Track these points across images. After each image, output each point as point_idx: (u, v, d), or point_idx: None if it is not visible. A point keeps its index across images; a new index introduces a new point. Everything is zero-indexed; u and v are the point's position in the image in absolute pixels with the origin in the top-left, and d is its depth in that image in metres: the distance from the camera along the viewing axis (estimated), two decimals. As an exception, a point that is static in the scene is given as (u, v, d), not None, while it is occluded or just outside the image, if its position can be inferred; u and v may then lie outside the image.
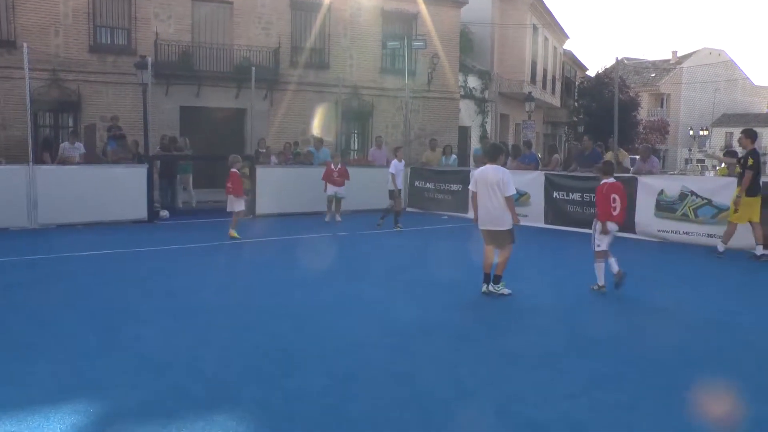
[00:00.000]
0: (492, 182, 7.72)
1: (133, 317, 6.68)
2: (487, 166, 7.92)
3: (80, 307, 7.06)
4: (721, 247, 11.04)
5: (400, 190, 14.71)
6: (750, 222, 10.90)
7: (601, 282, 8.16)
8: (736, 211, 10.89)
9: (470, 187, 8.06)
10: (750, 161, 10.75)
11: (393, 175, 14.21)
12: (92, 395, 4.56)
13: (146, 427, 4.08)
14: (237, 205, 12.51)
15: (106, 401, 4.47)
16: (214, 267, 9.92)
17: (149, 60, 16.12)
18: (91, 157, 16.06)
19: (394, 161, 14.56)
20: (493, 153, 8.10)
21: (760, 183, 10.87)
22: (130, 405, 4.42)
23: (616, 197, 8.10)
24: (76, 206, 13.53)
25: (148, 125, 15.97)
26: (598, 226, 8.15)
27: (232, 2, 21.92)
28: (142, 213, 14.48)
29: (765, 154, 71.51)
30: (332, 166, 15.50)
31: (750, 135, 11.07)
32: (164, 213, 15.32)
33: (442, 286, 8.66)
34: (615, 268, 8.02)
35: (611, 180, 8.28)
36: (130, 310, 7.00)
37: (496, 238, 7.89)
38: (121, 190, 14.22)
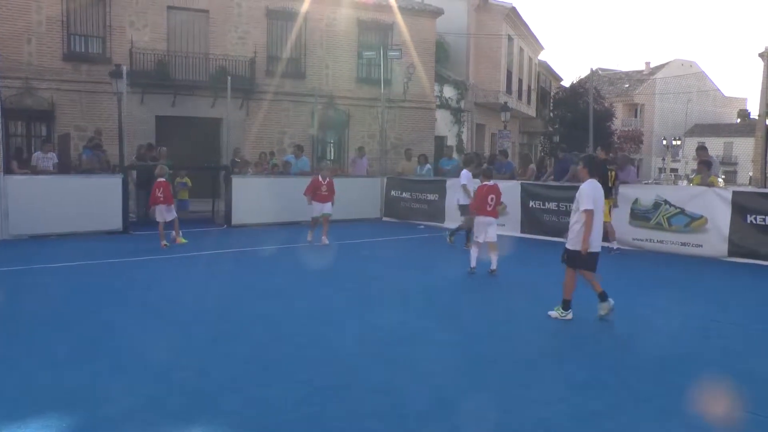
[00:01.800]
0: (602, 197, 7.20)
1: (107, 328, 6.59)
2: (594, 181, 7.17)
3: (53, 319, 6.95)
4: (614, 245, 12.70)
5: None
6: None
7: (472, 262, 9.96)
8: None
9: (588, 206, 6.91)
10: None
11: (465, 186, 12.48)
12: (65, 408, 4.48)
13: (121, 440, 4.02)
14: (170, 214, 12.68)
15: (79, 414, 4.40)
16: (190, 277, 9.83)
17: (124, 69, 15.96)
18: (65, 167, 15.87)
19: (465, 171, 12.75)
20: (597, 167, 7.36)
21: (608, 188, 12.16)
22: (105, 418, 4.34)
23: (493, 197, 9.93)
24: (49, 217, 13.33)
25: (123, 135, 15.81)
26: (479, 220, 9.88)
27: (208, 11, 21.84)
28: (117, 224, 14.31)
29: (736, 164, 72.79)
30: (320, 179, 13.37)
31: (604, 148, 14.21)
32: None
33: (419, 295, 8.67)
34: (473, 263, 9.97)
35: (491, 183, 10.12)
36: (104, 321, 6.90)
37: (597, 260, 7.19)
38: (95, 201, 14.06)
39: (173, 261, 11.09)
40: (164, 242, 12.47)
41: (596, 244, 7.06)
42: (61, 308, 7.48)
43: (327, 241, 13.07)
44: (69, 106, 19.85)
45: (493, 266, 9.87)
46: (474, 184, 11.95)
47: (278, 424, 4.30)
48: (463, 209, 12.64)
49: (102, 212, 14.12)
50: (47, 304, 7.68)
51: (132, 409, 4.49)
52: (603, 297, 7.11)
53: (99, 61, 20.07)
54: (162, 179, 12.74)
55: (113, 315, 7.18)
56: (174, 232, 12.82)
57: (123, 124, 15.78)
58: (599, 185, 7.17)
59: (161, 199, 12.55)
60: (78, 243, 12.79)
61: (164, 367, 5.37)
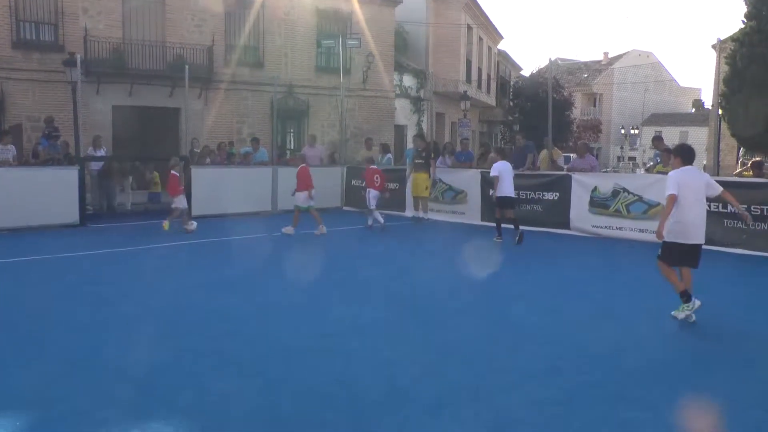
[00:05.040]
0: (699, 186, 6.77)
1: (60, 324, 6.45)
2: (688, 167, 6.85)
3: (3, 316, 6.77)
4: (415, 213, 15.85)
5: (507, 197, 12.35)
6: (420, 196, 15.73)
7: (380, 220, 13.77)
8: (427, 188, 15.57)
9: (672, 191, 6.64)
10: (432, 154, 15.92)
11: (495, 178, 12.18)
12: (17, 407, 4.39)
13: (74, 438, 3.94)
14: (177, 202, 13.40)
15: (32, 413, 4.31)
16: (145, 271, 9.67)
17: (78, 57, 15.59)
18: (18, 159, 15.47)
19: (496, 164, 12.32)
20: (690, 155, 6.95)
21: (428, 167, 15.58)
22: (59, 416, 4.27)
23: (378, 176, 13.90)
24: (1, 210, 12.95)
25: (78, 125, 15.46)
26: (371, 193, 13.88)
27: (165, -2, 21.46)
28: (73, 217, 13.98)
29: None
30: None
31: (420, 137, 16.92)
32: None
33: (374, 284, 8.70)
34: (370, 222, 13.91)
35: (374, 167, 14.20)
36: (56, 317, 6.76)
37: (695, 255, 6.80)
38: (51, 193, 13.63)
39: (130, 254, 10.92)
40: (165, 222, 13.13)
41: (693, 236, 6.70)
42: (11, 304, 7.32)
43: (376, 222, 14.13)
44: (20, 95, 19.32)
45: (370, 222, 14.01)
46: (509, 174, 12.26)
47: (235, 417, 4.27)
48: (500, 201, 12.37)
49: (58, 205, 13.75)
50: (-2, 300, 7.50)
51: (87, 407, 4.41)
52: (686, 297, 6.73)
53: (51, 49, 19.59)
54: (174, 172, 13.36)
55: (66, 310, 7.04)
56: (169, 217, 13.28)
57: (78, 115, 15.44)
58: (694, 171, 6.87)
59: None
60: (32, 237, 12.48)
61: (119, 364, 5.29)
